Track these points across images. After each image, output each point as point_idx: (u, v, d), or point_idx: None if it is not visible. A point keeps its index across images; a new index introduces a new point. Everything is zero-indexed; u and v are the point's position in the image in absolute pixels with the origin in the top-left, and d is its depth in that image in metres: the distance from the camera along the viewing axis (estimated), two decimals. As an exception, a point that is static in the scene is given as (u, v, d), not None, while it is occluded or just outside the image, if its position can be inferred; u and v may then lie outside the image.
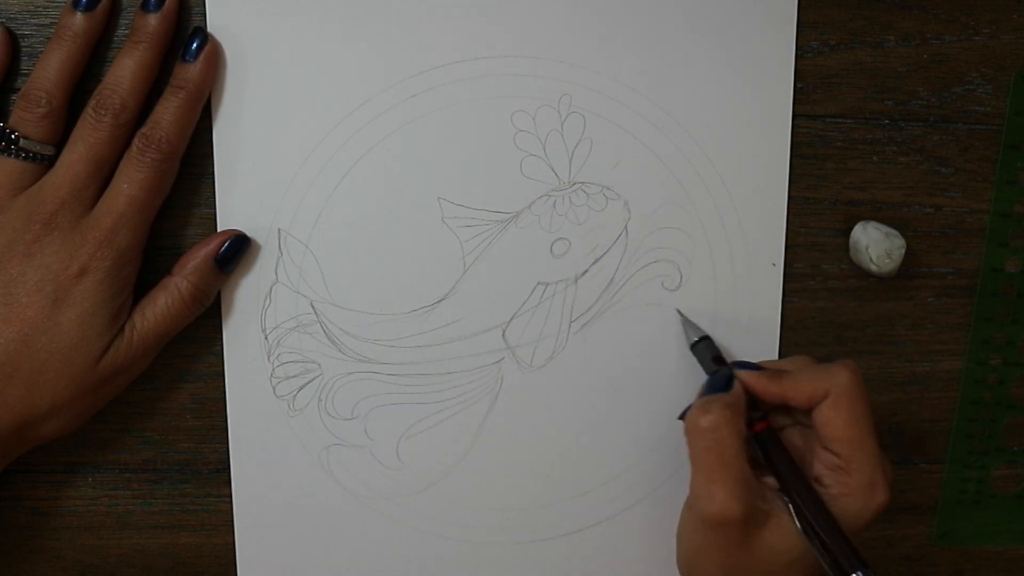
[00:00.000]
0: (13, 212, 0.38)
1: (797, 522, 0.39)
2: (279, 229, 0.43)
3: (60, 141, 0.39)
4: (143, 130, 0.39)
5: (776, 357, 0.46)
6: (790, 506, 0.39)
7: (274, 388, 0.44)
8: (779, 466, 0.40)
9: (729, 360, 0.44)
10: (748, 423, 0.41)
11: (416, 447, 0.45)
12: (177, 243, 0.43)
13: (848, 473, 0.39)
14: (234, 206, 0.42)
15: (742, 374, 0.42)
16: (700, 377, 0.44)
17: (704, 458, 0.39)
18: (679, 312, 0.45)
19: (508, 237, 0.44)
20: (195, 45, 0.40)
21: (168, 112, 0.39)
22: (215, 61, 0.40)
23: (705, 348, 0.44)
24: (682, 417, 0.42)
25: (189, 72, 0.40)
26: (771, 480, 0.41)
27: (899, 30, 0.44)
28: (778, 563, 0.39)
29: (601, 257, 0.45)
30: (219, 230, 0.42)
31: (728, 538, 0.39)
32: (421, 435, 0.45)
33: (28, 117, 0.38)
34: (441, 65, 0.42)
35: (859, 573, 0.38)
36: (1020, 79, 0.45)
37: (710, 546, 0.40)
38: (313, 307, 0.44)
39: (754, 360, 0.44)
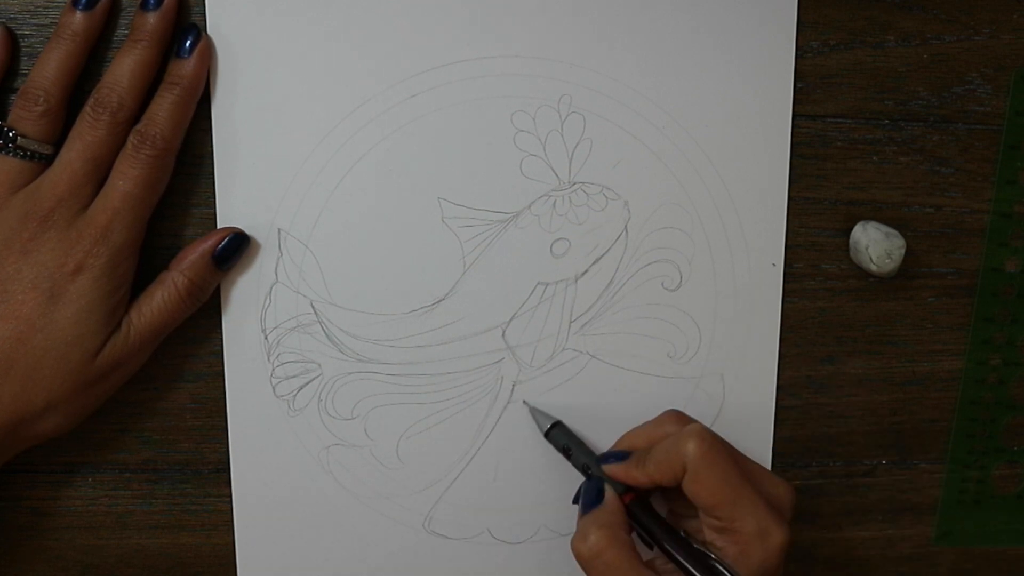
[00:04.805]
0: (10, 210, 0.38)
1: None
2: (279, 229, 0.43)
3: (58, 140, 0.39)
4: (138, 127, 0.39)
5: (776, 358, 0.46)
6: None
7: (274, 388, 0.44)
8: (654, 533, 0.41)
9: (584, 438, 0.45)
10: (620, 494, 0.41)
11: (416, 447, 0.45)
12: (176, 242, 0.43)
13: (734, 532, 0.39)
14: (234, 206, 0.42)
15: (609, 470, 0.42)
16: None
17: None
18: (526, 403, 0.45)
19: (508, 237, 0.44)
20: (189, 42, 0.40)
21: (162, 109, 0.39)
22: (209, 57, 0.40)
23: (560, 435, 0.44)
24: (576, 501, 0.43)
25: (183, 68, 0.40)
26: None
27: (899, 30, 0.44)
28: None
29: (601, 257, 0.45)
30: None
31: None
32: (421, 435, 0.45)
33: (26, 115, 0.38)
34: (441, 65, 0.42)
35: None
36: (1020, 79, 0.45)
37: None
38: (313, 307, 0.44)
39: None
